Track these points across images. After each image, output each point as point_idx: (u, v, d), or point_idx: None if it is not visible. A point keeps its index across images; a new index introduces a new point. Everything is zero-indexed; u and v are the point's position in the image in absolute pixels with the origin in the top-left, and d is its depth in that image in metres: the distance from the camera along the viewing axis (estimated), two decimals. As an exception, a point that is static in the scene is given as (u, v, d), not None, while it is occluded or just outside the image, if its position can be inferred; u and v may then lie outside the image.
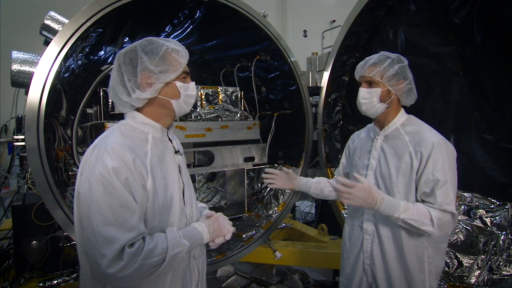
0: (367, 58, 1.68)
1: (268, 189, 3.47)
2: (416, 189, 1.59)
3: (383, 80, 1.62)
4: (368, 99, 1.65)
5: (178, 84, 1.28)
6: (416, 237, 1.60)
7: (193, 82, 1.36)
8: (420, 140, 1.60)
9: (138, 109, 1.29)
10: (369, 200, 1.51)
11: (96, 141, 1.22)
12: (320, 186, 2.01)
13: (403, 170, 1.61)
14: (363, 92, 1.67)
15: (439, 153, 1.54)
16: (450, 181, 1.53)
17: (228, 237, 1.40)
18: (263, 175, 2.06)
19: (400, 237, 1.62)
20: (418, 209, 1.50)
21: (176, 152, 1.39)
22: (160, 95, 1.26)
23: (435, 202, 1.51)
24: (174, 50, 1.26)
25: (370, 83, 1.66)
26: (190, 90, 1.33)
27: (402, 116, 1.71)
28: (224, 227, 1.40)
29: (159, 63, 1.23)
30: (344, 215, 2.94)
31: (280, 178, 2.01)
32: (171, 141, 1.39)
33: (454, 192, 1.56)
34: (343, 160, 2.07)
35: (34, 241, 2.25)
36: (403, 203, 1.51)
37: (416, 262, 1.61)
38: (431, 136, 1.59)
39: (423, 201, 1.58)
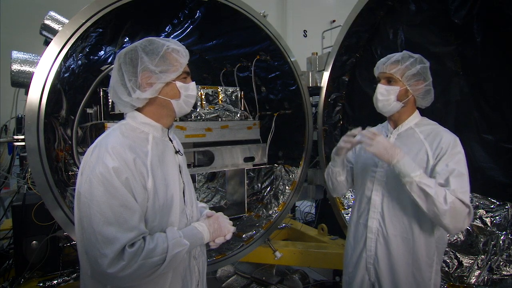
0: (389, 55, 1.68)
1: (268, 189, 3.47)
2: None
3: (403, 78, 1.62)
4: (386, 96, 1.64)
5: (179, 84, 1.29)
6: (428, 235, 1.59)
7: (194, 82, 1.36)
8: (435, 137, 1.60)
9: (138, 109, 1.29)
10: (391, 150, 1.48)
11: (96, 141, 1.22)
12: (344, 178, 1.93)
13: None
14: (381, 88, 1.66)
15: (455, 150, 1.54)
16: (466, 175, 1.51)
17: (228, 236, 1.40)
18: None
19: (411, 235, 1.60)
20: (434, 182, 1.45)
21: (177, 152, 1.39)
22: (161, 95, 1.26)
23: (450, 190, 1.46)
24: (175, 50, 1.26)
25: (389, 81, 1.65)
26: (190, 90, 1.33)
27: (416, 117, 1.72)
28: (225, 227, 1.40)
29: (160, 63, 1.23)
30: (345, 215, 2.94)
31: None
32: (171, 141, 1.39)
33: (468, 187, 1.50)
34: (349, 154, 2.01)
35: (34, 241, 2.25)
36: (419, 169, 1.47)
37: (426, 260, 1.60)
38: (447, 135, 1.59)
39: None
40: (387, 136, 1.76)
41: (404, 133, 1.71)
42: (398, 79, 1.62)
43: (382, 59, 1.70)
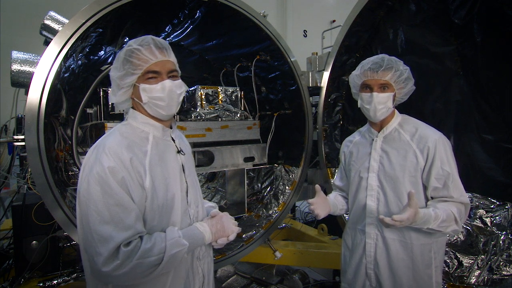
0: (369, 61, 1.64)
1: (268, 189, 3.47)
2: (424, 186, 1.61)
3: (395, 83, 1.62)
4: (384, 104, 1.62)
5: (141, 86, 1.24)
6: (425, 235, 1.60)
7: (167, 80, 1.24)
8: (421, 137, 1.62)
9: (137, 109, 1.30)
10: (412, 219, 1.47)
11: (97, 141, 1.24)
12: (341, 200, 1.98)
13: (408, 169, 1.61)
14: (379, 97, 1.61)
15: (442, 148, 1.57)
16: (457, 172, 1.58)
17: (231, 237, 1.38)
18: (310, 208, 1.79)
19: (409, 237, 1.62)
20: (445, 214, 1.51)
21: (179, 152, 1.38)
22: (136, 98, 1.28)
23: (451, 196, 1.55)
24: (136, 50, 1.22)
25: (383, 88, 1.62)
26: (155, 92, 1.22)
27: (398, 116, 1.73)
28: (228, 227, 1.38)
29: (121, 67, 1.24)
30: (344, 215, 2.93)
31: (319, 205, 1.80)
32: (174, 140, 1.38)
33: (461, 184, 1.60)
34: (340, 168, 2.03)
35: (34, 241, 2.24)
36: (433, 213, 1.49)
37: (423, 259, 1.62)
38: (431, 132, 1.62)
39: (432, 198, 1.61)
40: (373, 140, 1.75)
41: (389, 136, 1.70)
42: (391, 85, 1.62)
43: (365, 66, 1.65)
